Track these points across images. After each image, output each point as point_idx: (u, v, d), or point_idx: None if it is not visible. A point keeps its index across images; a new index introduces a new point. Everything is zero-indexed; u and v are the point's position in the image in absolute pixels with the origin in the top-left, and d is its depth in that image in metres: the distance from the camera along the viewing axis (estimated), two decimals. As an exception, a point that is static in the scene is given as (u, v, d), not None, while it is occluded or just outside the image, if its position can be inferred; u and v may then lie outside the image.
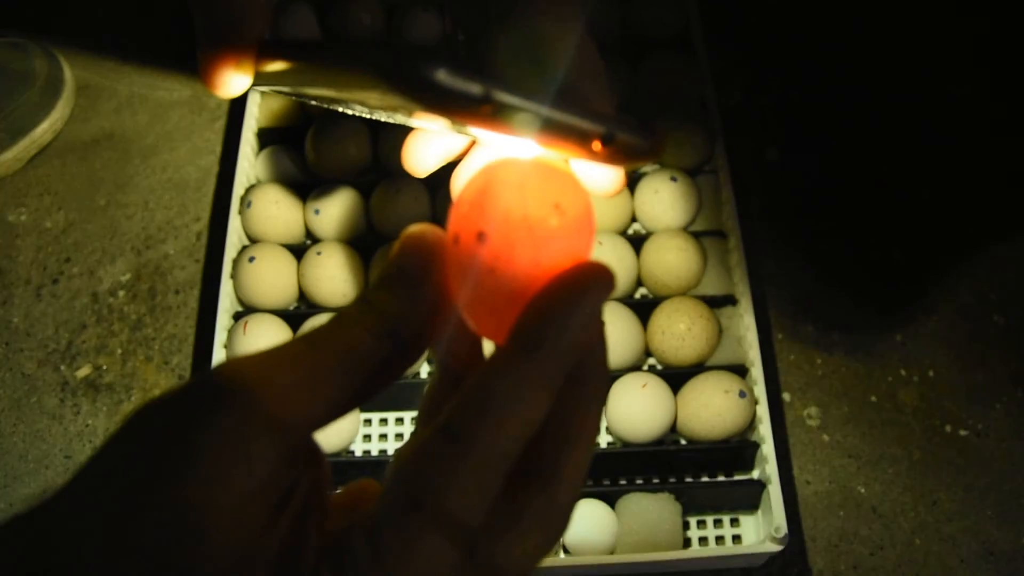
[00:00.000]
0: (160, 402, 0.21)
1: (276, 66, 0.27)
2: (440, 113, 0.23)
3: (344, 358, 0.22)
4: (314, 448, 0.23)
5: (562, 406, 0.22)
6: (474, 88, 0.23)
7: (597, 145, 0.25)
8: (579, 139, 0.25)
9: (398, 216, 0.59)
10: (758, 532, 0.54)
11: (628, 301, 0.58)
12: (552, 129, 0.24)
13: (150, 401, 0.21)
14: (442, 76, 0.22)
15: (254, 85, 0.29)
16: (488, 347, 0.25)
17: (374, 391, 0.23)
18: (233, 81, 0.28)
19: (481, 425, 0.21)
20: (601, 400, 0.24)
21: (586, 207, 0.24)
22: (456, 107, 0.23)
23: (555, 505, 0.22)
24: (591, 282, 0.22)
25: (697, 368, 0.56)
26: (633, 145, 0.26)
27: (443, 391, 0.26)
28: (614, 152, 0.26)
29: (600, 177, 0.30)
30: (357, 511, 0.22)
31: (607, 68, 0.31)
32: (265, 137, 0.65)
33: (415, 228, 0.24)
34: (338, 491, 0.25)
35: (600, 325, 0.23)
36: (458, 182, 0.29)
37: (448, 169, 0.34)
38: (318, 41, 0.27)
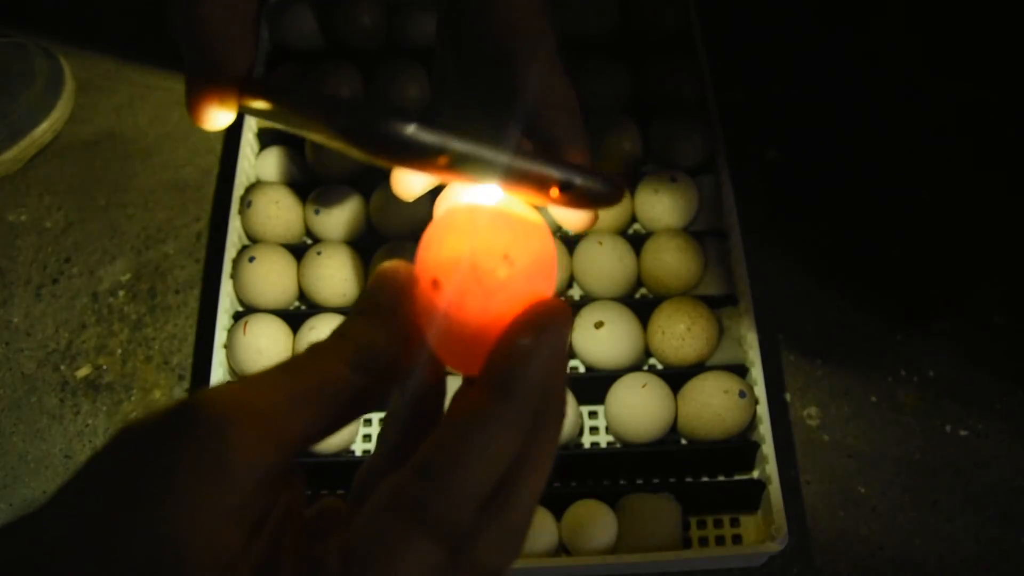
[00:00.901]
0: (140, 426, 0.21)
1: (257, 104, 0.28)
2: (399, 165, 0.24)
3: (319, 386, 0.23)
4: (290, 472, 0.23)
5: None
6: (429, 141, 0.23)
7: (555, 192, 0.26)
8: (537, 186, 0.26)
9: (398, 216, 0.59)
10: (758, 532, 0.54)
11: (628, 301, 0.58)
12: (510, 178, 0.25)
13: (130, 424, 0.21)
14: (396, 131, 0.23)
15: (247, 114, 0.30)
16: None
17: (350, 419, 0.24)
18: (216, 116, 0.29)
19: (457, 470, 0.22)
20: (556, 428, 0.25)
21: (540, 253, 0.25)
22: (413, 160, 0.24)
23: (510, 528, 0.23)
24: (549, 322, 0.23)
25: (697, 368, 0.56)
26: (592, 191, 0.27)
27: (409, 418, 0.27)
28: (573, 198, 0.27)
29: (568, 216, 0.31)
30: (328, 532, 0.23)
31: (578, 101, 0.31)
32: (265, 137, 0.65)
33: (388, 264, 0.25)
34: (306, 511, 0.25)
35: (563, 359, 0.24)
36: (441, 207, 0.30)
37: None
38: (290, 86, 0.28)
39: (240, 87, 0.28)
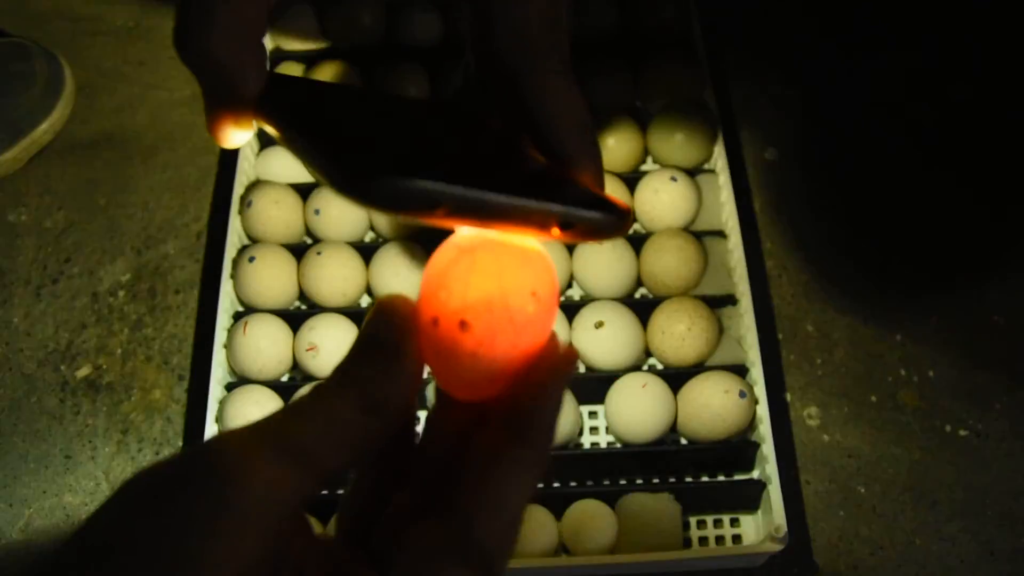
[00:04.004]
0: (149, 478, 0.21)
1: (268, 129, 0.29)
2: (398, 216, 0.24)
3: (327, 434, 0.23)
4: (301, 517, 0.24)
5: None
6: (425, 195, 0.23)
7: (556, 231, 0.26)
8: (537, 226, 0.26)
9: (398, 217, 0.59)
10: (758, 532, 0.54)
11: (628, 301, 0.58)
12: (510, 221, 0.25)
13: (138, 476, 0.21)
14: (393, 186, 0.23)
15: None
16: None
17: (358, 459, 0.24)
18: (234, 136, 0.30)
19: (495, 514, 0.23)
20: (541, 461, 0.25)
21: (555, 285, 0.26)
22: (410, 212, 0.24)
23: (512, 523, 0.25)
24: (564, 368, 0.25)
25: (697, 368, 0.56)
26: (595, 224, 0.27)
27: (388, 450, 0.27)
28: (575, 234, 0.27)
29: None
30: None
31: (592, 117, 0.31)
32: (265, 136, 0.65)
33: (387, 298, 0.25)
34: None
35: (563, 396, 0.26)
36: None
37: None
38: (298, 117, 0.28)
39: (255, 107, 0.29)
